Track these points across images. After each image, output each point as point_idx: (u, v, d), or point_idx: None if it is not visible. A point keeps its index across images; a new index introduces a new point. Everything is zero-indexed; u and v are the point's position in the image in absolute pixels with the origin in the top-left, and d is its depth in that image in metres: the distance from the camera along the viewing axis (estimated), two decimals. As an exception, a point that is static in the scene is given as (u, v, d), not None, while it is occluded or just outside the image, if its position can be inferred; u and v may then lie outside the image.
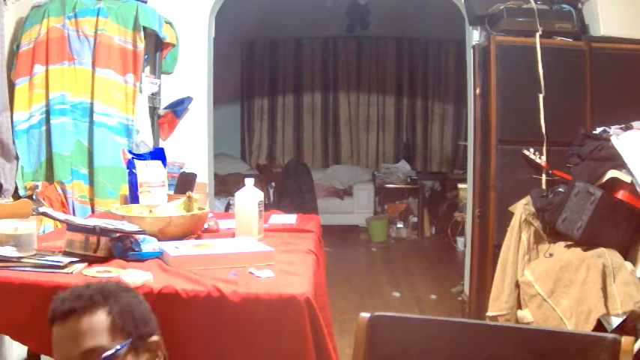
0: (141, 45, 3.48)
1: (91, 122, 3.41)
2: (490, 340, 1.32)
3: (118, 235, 1.83)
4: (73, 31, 3.42)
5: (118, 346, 1.09)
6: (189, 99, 3.96)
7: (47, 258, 1.71)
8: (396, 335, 1.38)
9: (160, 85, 3.84)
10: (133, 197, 2.43)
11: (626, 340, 1.20)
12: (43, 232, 2.82)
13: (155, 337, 1.17)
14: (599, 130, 3.06)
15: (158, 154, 2.60)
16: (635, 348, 2.43)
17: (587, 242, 2.72)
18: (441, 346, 1.35)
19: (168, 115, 3.92)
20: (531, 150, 3.22)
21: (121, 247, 1.81)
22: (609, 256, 2.64)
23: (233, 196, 2.33)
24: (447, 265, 5.59)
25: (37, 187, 3.30)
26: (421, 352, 1.37)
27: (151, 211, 2.18)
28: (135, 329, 1.13)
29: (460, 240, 6.01)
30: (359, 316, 1.38)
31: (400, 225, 7.10)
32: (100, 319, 1.10)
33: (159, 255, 1.84)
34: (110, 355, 1.08)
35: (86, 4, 3.47)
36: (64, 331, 1.09)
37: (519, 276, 2.91)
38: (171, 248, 1.83)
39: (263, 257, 1.82)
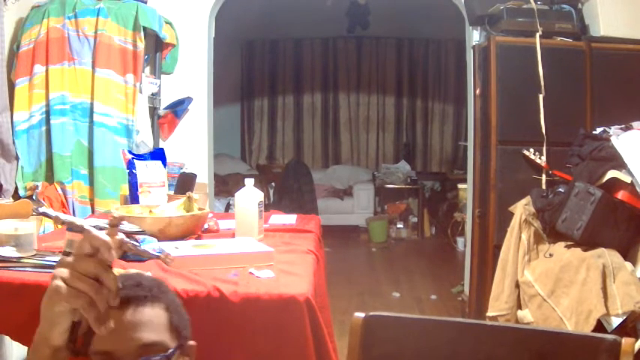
0: (141, 45, 3.48)
1: (91, 122, 3.41)
2: (488, 340, 1.31)
3: (118, 235, 1.83)
4: (73, 32, 3.42)
5: (174, 345, 1.03)
6: (189, 99, 3.97)
7: (47, 258, 1.71)
8: (392, 335, 1.37)
9: (159, 85, 3.84)
10: (133, 197, 2.43)
11: (626, 341, 1.19)
12: (43, 232, 2.82)
13: (193, 342, 1.12)
14: (599, 130, 3.06)
15: (158, 154, 2.60)
16: (636, 348, 2.43)
17: (587, 242, 2.72)
18: (438, 347, 1.34)
19: (168, 115, 3.92)
20: (531, 150, 3.22)
21: (121, 247, 1.81)
22: (609, 256, 2.64)
23: (233, 196, 2.33)
24: (447, 265, 5.60)
25: (37, 187, 3.30)
26: (417, 353, 1.35)
27: (151, 211, 2.18)
28: (184, 329, 1.08)
29: (460, 240, 6.01)
30: (353, 316, 1.36)
31: (400, 225, 7.11)
32: (160, 313, 1.04)
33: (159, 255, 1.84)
34: (170, 353, 1.02)
35: (86, 4, 3.47)
36: (121, 318, 1.00)
37: (519, 276, 2.91)
38: (171, 248, 1.83)
39: (263, 257, 1.82)
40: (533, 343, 1.27)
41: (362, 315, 1.36)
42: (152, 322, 1.02)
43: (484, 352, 1.30)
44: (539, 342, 1.27)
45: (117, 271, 1.62)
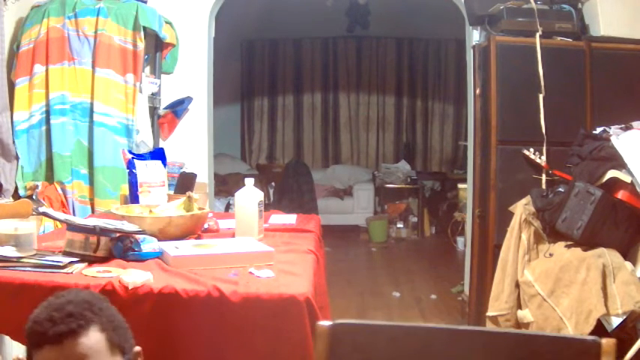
0: (141, 45, 3.48)
1: (91, 122, 3.41)
2: (462, 345, 1.27)
3: (118, 235, 1.83)
4: (73, 31, 3.42)
5: None
6: (189, 99, 3.96)
7: (47, 258, 1.71)
8: (360, 344, 1.29)
9: (159, 85, 3.84)
10: (133, 197, 2.43)
11: (607, 342, 1.17)
12: (43, 232, 2.82)
13: (138, 348, 1.13)
14: (599, 130, 3.06)
15: (158, 154, 2.60)
16: (635, 348, 2.43)
17: (587, 242, 2.72)
18: (409, 354, 1.28)
19: (168, 115, 3.92)
20: (531, 150, 3.22)
21: (121, 247, 1.81)
22: (609, 256, 2.64)
23: (233, 196, 2.34)
24: (447, 265, 5.59)
25: (37, 187, 3.30)
26: (388, 360, 1.29)
27: (151, 211, 2.19)
28: (125, 342, 1.09)
29: (460, 240, 6.01)
30: (318, 325, 1.29)
31: (400, 225, 7.10)
32: (97, 337, 1.03)
33: (159, 255, 1.84)
34: None
35: (86, 4, 3.47)
36: (61, 355, 1.01)
37: (519, 276, 2.91)
38: (172, 248, 1.83)
39: (263, 257, 1.82)
40: (509, 347, 1.25)
41: (327, 323, 1.29)
42: (92, 350, 1.02)
43: (458, 358, 1.26)
44: (516, 345, 1.25)
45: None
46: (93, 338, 1.03)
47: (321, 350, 1.27)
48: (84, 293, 1.11)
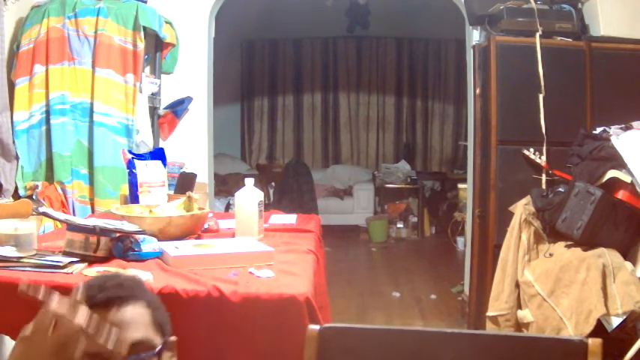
0: (141, 45, 3.48)
1: (91, 122, 3.41)
2: (450, 348, 1.27)
3: (118, 235, 1.83)
4: (73, 31, 3.42)
5: (160, 341, 1.04)
6: (189, 99, 3.97)
7: (47, 258, 1.71)
8: (350, 347, 1.29)
9: (159, 85, 3.84)
10: (133, 197, 2.43)
11: (593, 342, 1.17)
12: (43, 232, 2.82)
13: (174, 337, 1.13)
14: (599, 130, 3.06)
15: (158, 154, 2.60)
16: (635, 348, 2.43)
17: (587, 242, 2.72)
18: (399, 358, 1.28)
19: (168, 115, 3.92)
20: (531, 150, 3.22)
21: (121, 247, 1.81)
22: (609, 256, 2.64)
23: (233, 196, 2.34)
24: (447, 265, 5.59)
25: (37, 187, 3.30)
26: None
27: (151, 211, 2.19)
28: (166, 325, 1.10)
29: (460, 240, 6.01)
30: (308, 329, 1.30)
31: (400, 225, 7.10)
32: (142, 311, 1.04)
33: (159, 255, 1.84)
34: (159, 350, 1.02)
35: (86, 4, 3.47)
36: (105, 319, 0.99)
37: (519, 276, 2.91)
38: (172, 248, 1.83)
39: (263, 257, 1.82)
40: (498, 349, 1.25)
41: (316, 327, 1.29)
42: (136, 320, 1.03)
43: None
44: (505, 348, 1.25)
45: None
46: (139, 310, 1.04)
47: (310, 354, 1.27)
48: (133, 277, 1.13)
